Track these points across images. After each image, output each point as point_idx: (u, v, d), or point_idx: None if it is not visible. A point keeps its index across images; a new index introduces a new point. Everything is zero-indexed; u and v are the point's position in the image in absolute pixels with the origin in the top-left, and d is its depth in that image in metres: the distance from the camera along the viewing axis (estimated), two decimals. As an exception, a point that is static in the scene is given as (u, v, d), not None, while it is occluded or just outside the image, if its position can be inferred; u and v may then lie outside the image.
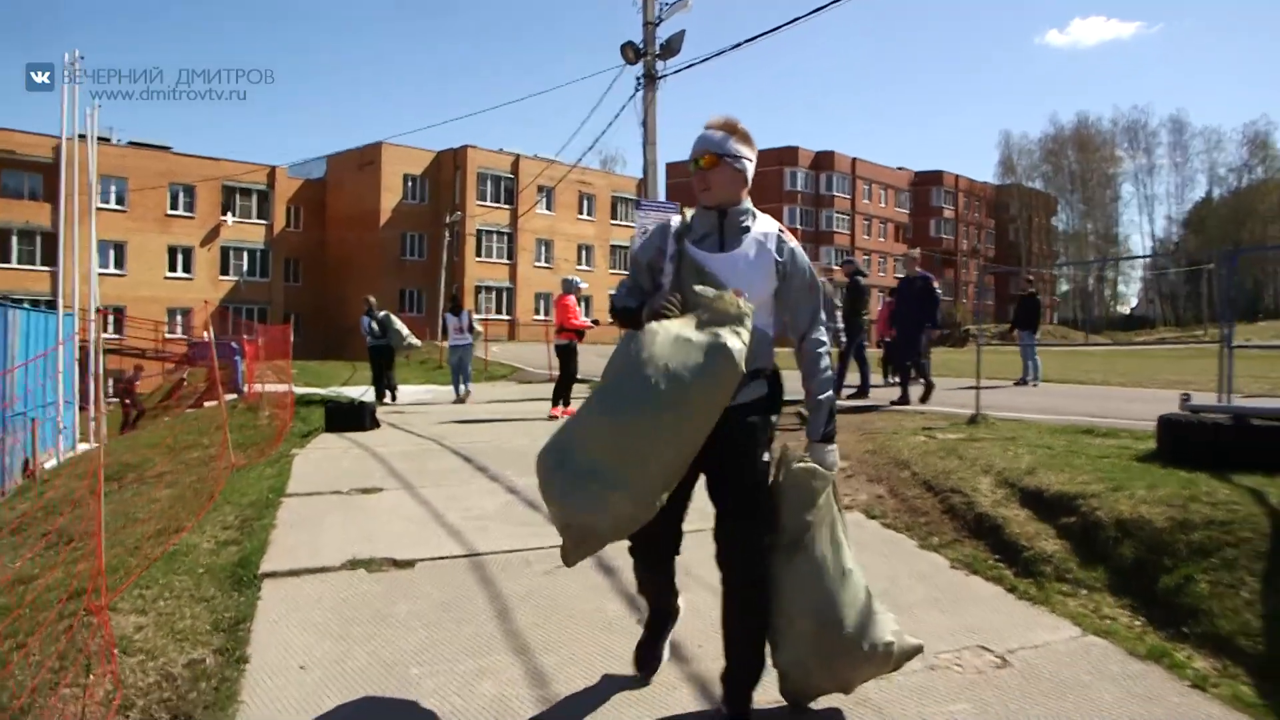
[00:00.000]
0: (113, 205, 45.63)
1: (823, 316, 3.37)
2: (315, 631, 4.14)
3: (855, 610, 3.17)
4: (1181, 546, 4.54)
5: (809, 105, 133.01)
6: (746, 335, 3.02)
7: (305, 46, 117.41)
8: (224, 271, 50.66)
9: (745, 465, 3.19)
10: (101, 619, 4.05)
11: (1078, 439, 7.17)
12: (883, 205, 77.68)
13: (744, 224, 3.35)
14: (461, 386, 15.87)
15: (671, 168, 69.21)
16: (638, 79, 16.09)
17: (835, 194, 72.72)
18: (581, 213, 57.48)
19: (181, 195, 49.20)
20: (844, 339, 12.25)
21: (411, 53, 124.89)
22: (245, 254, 51.41)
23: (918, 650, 3.40)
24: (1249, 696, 3.57)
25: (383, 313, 16.23)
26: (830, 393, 3.37)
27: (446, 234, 44.53)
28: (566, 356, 12.41)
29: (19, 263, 44.14)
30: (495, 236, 53.86)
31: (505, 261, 54.38)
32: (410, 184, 52.97)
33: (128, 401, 23.42)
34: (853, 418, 9.47)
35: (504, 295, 54.45)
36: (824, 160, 72.31)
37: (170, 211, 48.80)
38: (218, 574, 4.86)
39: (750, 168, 3.39)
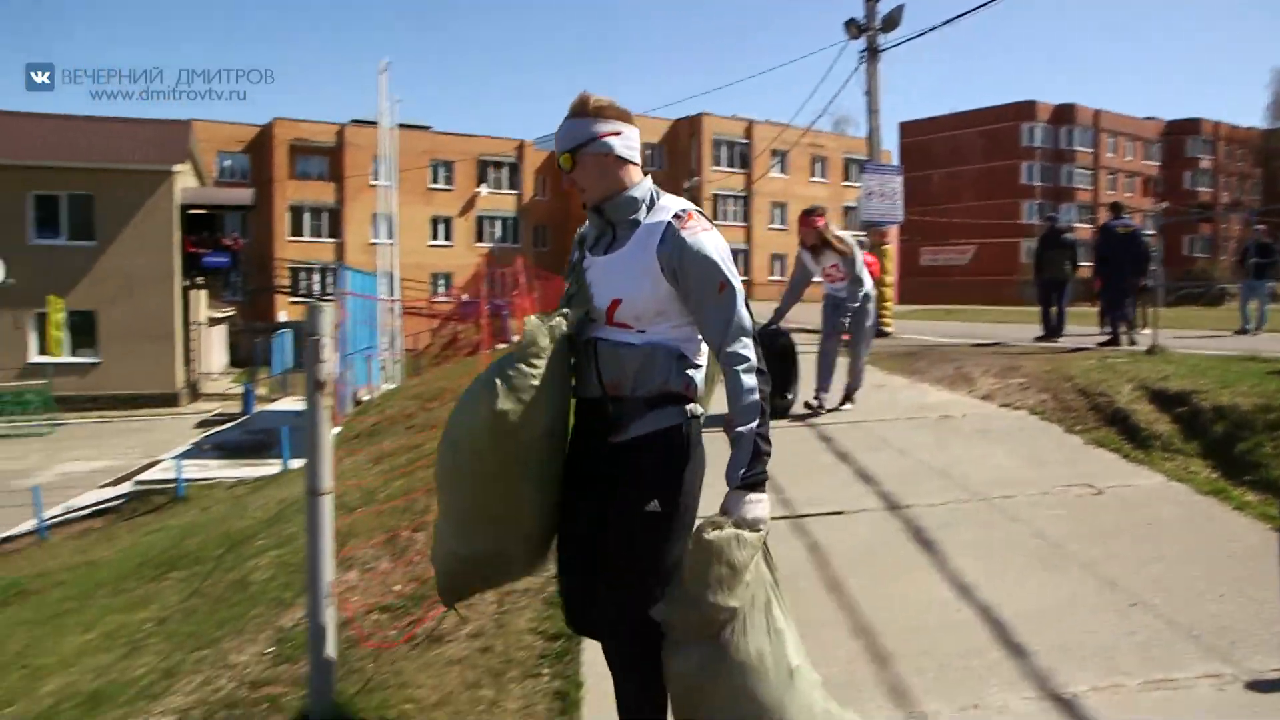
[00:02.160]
0: (383, 182, 50.73)
1: (744, 324, 2.54)
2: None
3: None
4: (1259, 423, 6.01)
5: (1048, 57, 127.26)
6: (531, 369, 2.52)
7: (552, 26, 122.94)
8: (479, 239, 55.16)
9: (619, 520, 2.57)
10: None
11: (1231, 364, 8.41)
12: (1129, 158, 74.14)
13: (633, 216, 2.67)
14: None
15: (906, 126, 69.12)
16: (860, 53, 17.57)
17: (1077, 148, 70.12)
18: (814, 175, 58.72)
19: (441, 170, 53.94)
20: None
21: (645, 28, 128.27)
22: (498, 222, 55.76)
23: None
24: (1276, 516, 5.10)
25: None
26: (754, 424, 2.49)
27: (684, 198, 46.94)
28: None
29: (310, 235, 50.05)
30: (731, 200, 55.96)
31: (741, 224, 56.35)
32: (649, 152, 55.71)
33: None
34: (1049, 357, 10.86)
35: (740, 257, 56.50)
36: (1064, 114, 69.79)
37: (431, 185, 53.59)
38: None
39: (623, 143, 2.69)
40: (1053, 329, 13.63)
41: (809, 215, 7.62)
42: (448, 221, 54.25)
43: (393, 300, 22.58)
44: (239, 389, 30.41)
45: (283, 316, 43.91)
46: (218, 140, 47.56)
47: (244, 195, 36.53)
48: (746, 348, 2.51)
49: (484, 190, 55.20)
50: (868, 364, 8.40)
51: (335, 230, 50.65)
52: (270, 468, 12.43)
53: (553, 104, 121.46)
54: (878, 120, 17.60)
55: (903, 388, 9.05)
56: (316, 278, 49.09)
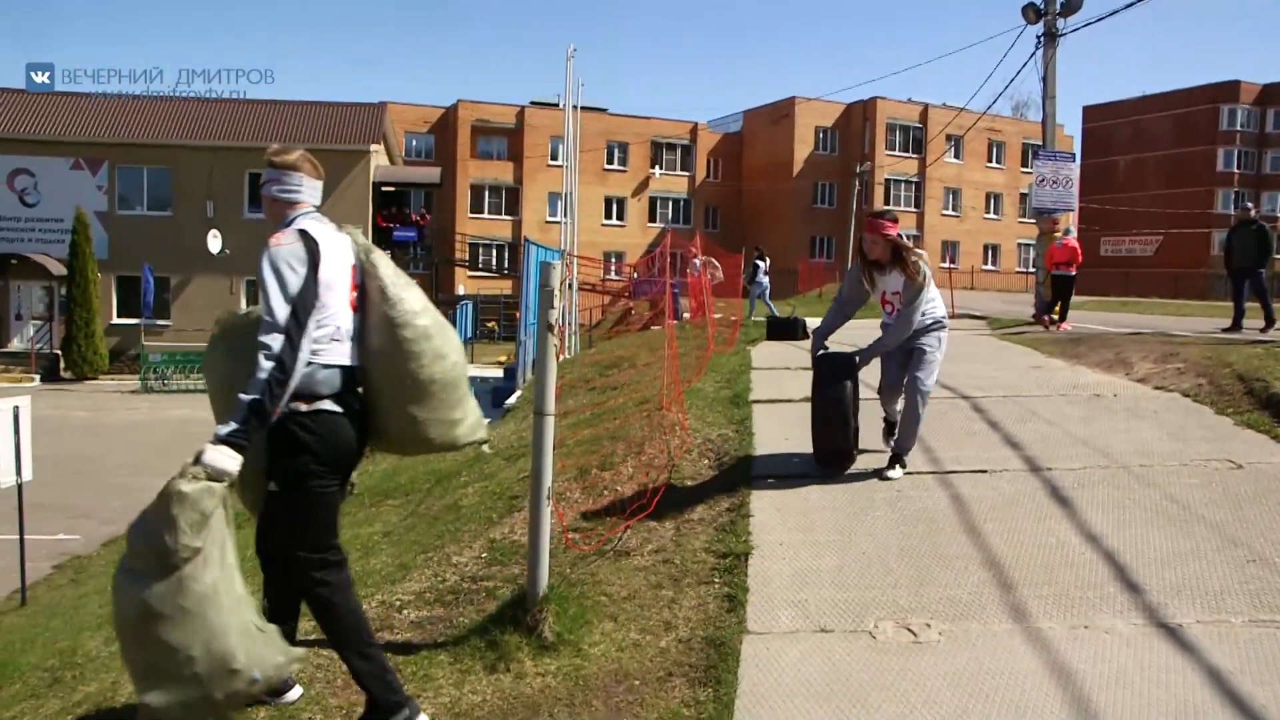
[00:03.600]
0: (560, 162, 52.49)
1: (274, 321, 2.99)
2: (788, 426, 6.96)
3: (246, 641, 2.92)
4: None
5: (1252, 32, 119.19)
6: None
7: (725, 8, 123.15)
8: (651, 219, 56.30)
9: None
10: (669, 410, 7.15)
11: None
12: (1347, 143, 68.93)
13: None
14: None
15: (1089, 110, 66.30)
16: (1038, 37, 17.49)
17: (1286, 132, 65.66)
18: (990, 160, 57.36)
19: (616, 151, 55.27)
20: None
21: (819, 9, 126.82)
22: (670, 203, 56.79)
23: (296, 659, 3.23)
24: None
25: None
26: (254, 397, 2.92)
27: (855, 184, 46.78)
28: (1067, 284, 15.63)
29: (489, 213, 52.29)
30: (903, 185, 55.33)
31: (913, 210, 55.65)
32: (821, 136, 55.65)
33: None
34: (1213, 345, 10.87)
35: (911, 243, 55.61)
36: (1273, 94, 65.34)
37: (606, 166, 55.00)
38: (722, 400, 7.89)
39: (279, 188, 3.32)
40: (1237, 321, 13.51)
41: (878, 219, 5.82)
42: (621, 202, 55.56)
43: (567, 277, 23.71)
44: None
45: (462, 290, 46.10)
46: (406, 121, 50.18)
47: (431, 174, 38.63)
48: (271, 340, 2.96)
49: (657, 172, 56.26)
50: (1022, 344, 8.64)
51: (513, 208, 52.70)
52: (459, 424, 13.60)
53: (727, 88, 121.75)
54: (1053, 106, 17.52)
55: (1060, 369, 9.33)
56: (494, 253, 51.27)
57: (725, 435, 6.79)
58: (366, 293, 3.31)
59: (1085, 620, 3.89)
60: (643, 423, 7.17)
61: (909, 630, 3.85)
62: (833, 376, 5.78)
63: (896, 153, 54.74)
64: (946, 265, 51.00)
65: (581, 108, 54.21)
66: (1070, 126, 64.62)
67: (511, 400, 14.13)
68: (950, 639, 3.77)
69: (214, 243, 31.15)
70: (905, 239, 5.95)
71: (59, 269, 30.22)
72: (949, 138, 48.15)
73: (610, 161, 55.24)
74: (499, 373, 22.85)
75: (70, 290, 29.84)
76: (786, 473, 5.92)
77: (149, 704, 2.87)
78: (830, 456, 5.86)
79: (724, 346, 12.62)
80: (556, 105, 51.49)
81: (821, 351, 5.95)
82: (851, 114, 55.57)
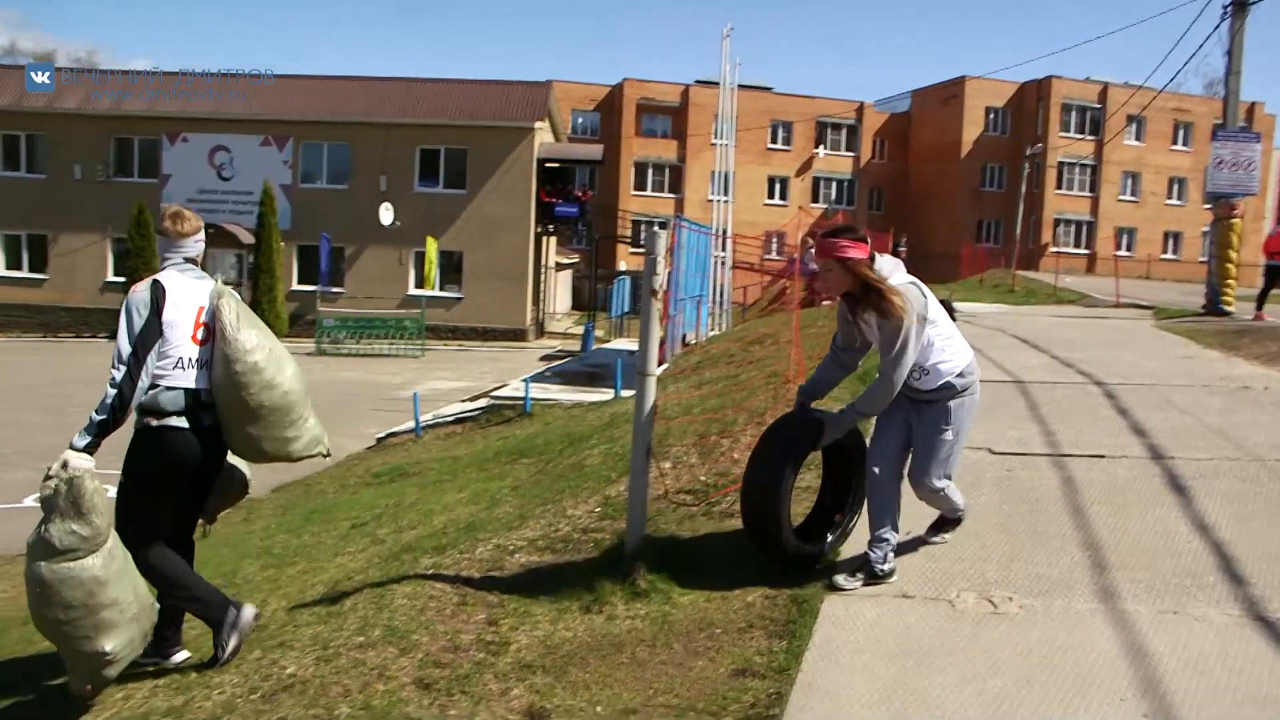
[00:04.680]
0: (723, 141, 52.48)
1: (119, 351, 3.77)
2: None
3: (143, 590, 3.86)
4: None
5: None
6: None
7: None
8: (814, 199, 55.68)
9: None
10: (793, 384, 7.29)
11: None
12: None
13: None
14: None
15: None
16: (1224, 7, 16.48)
17: None
18: (1175, 143, 54.15)
19: (780, 130, 54.85)
20: None
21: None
22: (834, 184, 56.03)
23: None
24: None
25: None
26: (101, 417, 3.71)
27: (1026, 166, 45.06)
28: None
29: (652, 190, 52.85)
30: (1077, 169, 52.90)
31: (1087, 194, 53.19)
32: (992, 116, 53.76)
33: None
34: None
35: (1083, 229, 53.40)
36: None
37: (770, 145, 54.68)
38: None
39: (160, 245, 4.19)
40: None
41: (831, 239, 4.13)
42: (784, 181, 55.14)
43: (721, 255, 23.86)
44: (579, 329, 33.20)
45: (622, 266, 46.84)
46: (572, 99, 51.09)
47: (594, 151, 39.30)
48: (116, 371, 3.74)
49: (821, 152, 55.57)
50: (1179, 333, 8.34)
51: (676, 186, 53.06)
52: (604, 395, 13.98)
53: (895, 67, 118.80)
54: (1238, 82, 16.55)
55: (1213, 360, 8.99)
56: (656, 230, 51.75)
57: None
58: (214, 330, 4.01)
59: (1175, 606, 3.85)
60: (767, 395, 7.33)
61: (989, 601, 3.92)
62: (772, 448, 4.26)
63: (1071, 134, 52.26)
64: (1122, 253, 48.61)
65: (745, 87, 54.19)
66: (1273, 104, 60.32)
67: (658, 371, 14.44)
68: (1029, 613, 3.82)
69: (386, 215, 32.65)
70: (879, 264, 4.07)
71: (248, 238, 32.27)
72: (1129, 118, 45.70)
73: (774, 141, 54.84)
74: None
75: (257, 258, 31.87)
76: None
77: (108, 650, 3.68)
78: (773, 557, 4.31)
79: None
80: (719, 84, 51.61)
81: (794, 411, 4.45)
82: (1025, 94, 53.40)
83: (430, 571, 4.71)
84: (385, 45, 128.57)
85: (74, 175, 33.97)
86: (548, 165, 34.53)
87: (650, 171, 53.06)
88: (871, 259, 4.05)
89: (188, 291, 4.02)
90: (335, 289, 32.80)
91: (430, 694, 3.53)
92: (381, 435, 14.94)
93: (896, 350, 3.98)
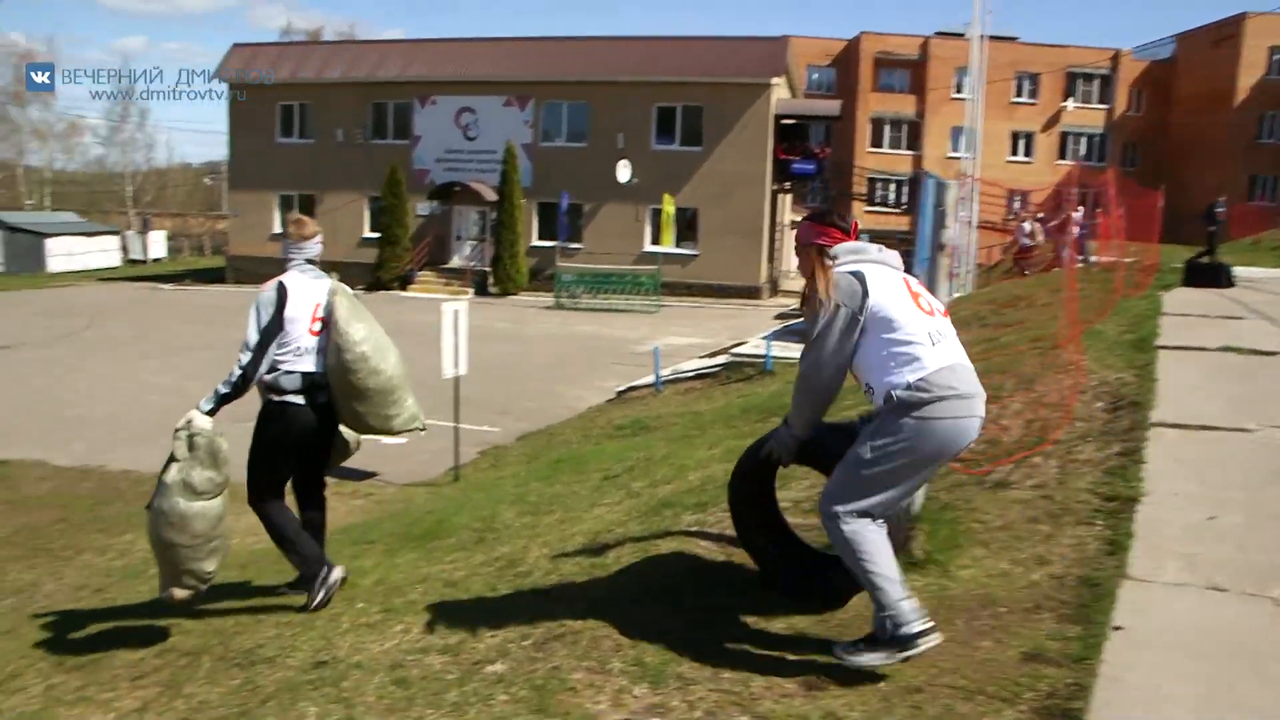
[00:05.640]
0: (964, 95, 50.07)
1: (246, 341, 4.59)
2: (1197, 374, 6.41)
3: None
4: None
5: None
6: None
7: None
8: (1061, 156, 52.43)
9: None
10: (1064, 349, 6.84)
11: None
12: None
13: None
14: None
15: None
16: None
17: None
18: None
19: (1025, 83, 51.82)
20: None
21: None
22: (1083, 139, 52.51)
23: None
24: None
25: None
26: (224, 391, 4.51)
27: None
28: None
29: (888, 147, 51.28)
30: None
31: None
32: (1277, 58, 48.73)
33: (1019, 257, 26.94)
34: None
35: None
36: None
37: (1014, 99, 51.77)
38: (1124, 344, 7.38)
39: (285, 247, 4.90)
40: None
41: (810, 221, 3.63)
42: (1029, 137, 52.20)
43: (966, 216, 22.79)
44: (813, 287, 32.61)
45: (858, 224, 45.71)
46: (808, 54, 50.03)
47: (832, 106, 38.42)
48: (243, 355, 4.53)
49: (1070, 105, 52.16)
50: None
51: (914, 143, 51.22)
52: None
53: (1156, 8, 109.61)
54: None
55: None
56: (893, 188, 50.32)
57: (1124, 379, 6.38)
58: (329, 323, 4.72)
59: None
60: (1035, 360, 6.91)
61: (1324, 603, 3.49)
62: (739, 465, 4.04)
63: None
64: None
65: (990, 38, 51.48)
66: None
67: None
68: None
69: (623, 172, 33.15)
70: (836, 250, 3.46)
71: (490, 195, 33.57)
72: None
73: (1019, 94, 51.89)
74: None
75: (499, 215, 33.14)
76: (1190, 422, 5.47)
77: (209, 571, 4.53)
78: (766, 580, 3.99)
79: (1133, 290, 11.70)
80: (962, 36, 49.18)
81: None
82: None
83: (694, 528, 4.68)
84: (620, 4, 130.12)
85: (336, 139, 36.43)
86: (784, 122, 34.03)
87: (887, 127, 51.43)
88: (830, 244, 3.45)
89: (306, 290, 4.74)
90: (573, 245, 33.68)
91: (703, 656, 3.49)
92: (621, 389, 15.23)
93: (812, 338, 3.36)
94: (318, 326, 4.74)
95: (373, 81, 36.08)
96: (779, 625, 3.66)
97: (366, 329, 4.74)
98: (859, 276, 3.33)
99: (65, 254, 43.29)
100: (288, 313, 4.65)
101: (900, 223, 46.65)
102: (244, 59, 37.72)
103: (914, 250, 16.90)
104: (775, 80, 33.04)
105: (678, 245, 32.69)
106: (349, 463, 10.67)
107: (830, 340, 3.31)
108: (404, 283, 34.16)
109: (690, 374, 14.81)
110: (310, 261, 4.86)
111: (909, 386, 3.21)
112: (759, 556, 4.00)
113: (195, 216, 65.71)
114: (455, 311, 10.49)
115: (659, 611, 3.84)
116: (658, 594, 4.02)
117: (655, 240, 33.26)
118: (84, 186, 66.30)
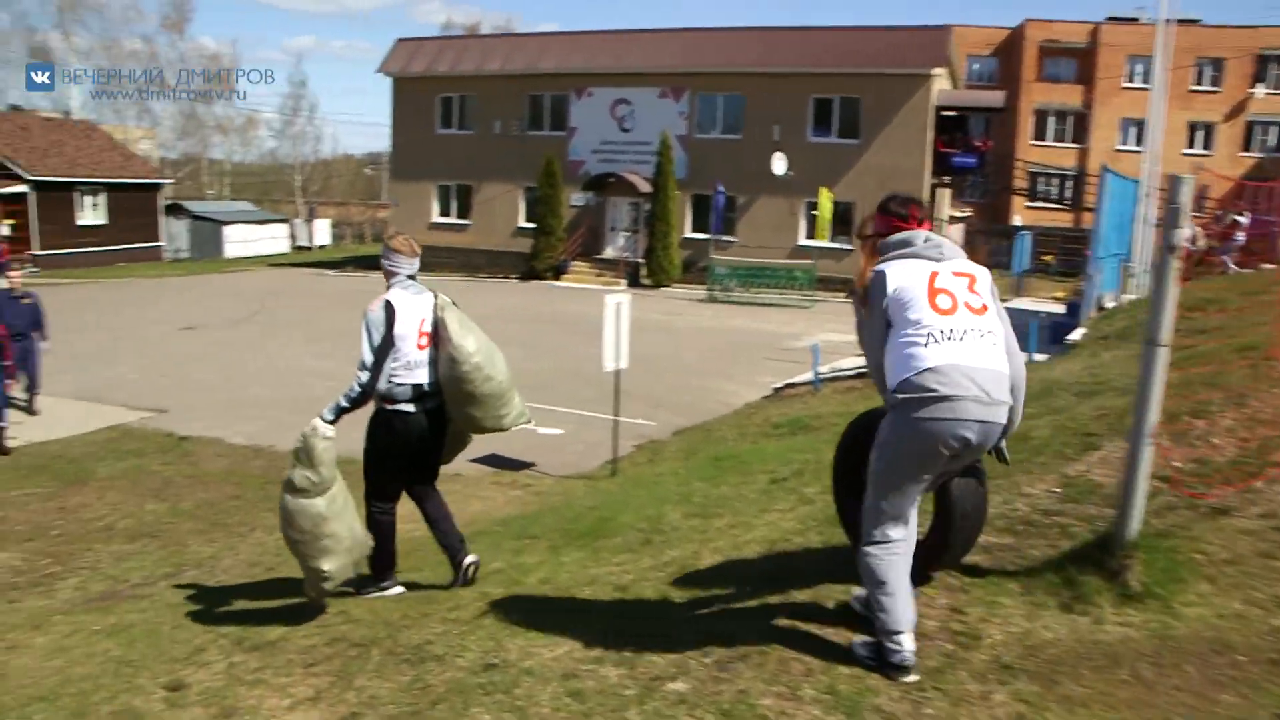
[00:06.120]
0: (1138, 85, 47.52)
1: (362, 360, 5.01)
2: None
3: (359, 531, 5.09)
4: None
5: None
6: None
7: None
8: (1245, 147, 49.24)
9: None
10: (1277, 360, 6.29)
11: None
12: None
13: None
14: None
15: None
16: None
17: None
18: None
19: (1207, 69, 48.83)
20: None
21: None
22: (1273, 129, 49.17)
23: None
24: None
25: None
26: (343, 404, 4.97)
27: None
28: None
29: (1052, 140, 49.17)
30: None
31: None
32: None
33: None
34: None
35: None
36: None
37: (1193, 87, 48.82)
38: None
39: (386, 262, 5.25)
40: None
41: (880, 213, 3.68)
42: (1208, 128, 49.20)
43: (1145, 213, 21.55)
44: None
45: (1018, 220, 44.08)
46: (968, 44, 48.36)
47: (994, 98, 37.04)
48: (361, 373, 5.01)
49: (1260, 91, 48.83)
50: None
51: (1079, 135, 48.99)
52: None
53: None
54: None
55: None
56: (1055, 183, 48.25)
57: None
58: (439, 336, 5.15)
59: None
60: (1244, 372, 6.36)
61: None
62: (857, 430, 4.09)
63: None
64: None
65: (1168, 20, 48.66)
66: None
67: (1075, 336, 13.28)
68: None
69: (779, 164, 32.72)
70: (884, 244, 3.55)
71: (645, 187, 33.64)
72: None
73: (1199, 81, 48.92)
74: (1054, 308, 21.60)
75: (653, 206, 33.17)
76: None
77: (325, 570, 4.84)
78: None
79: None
80: (1136, 20, 46.63)
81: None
82: None
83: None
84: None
85: (493, 131, 37.16)
86: (944, 113, 32.95)
87: (1051, 119, 49.29)
88: (887, 234, 3.57)
89: (412, 307, 5.12)
90: (727, 237, 33.43)
91: (898, 685, 3.28)
92: (778, 385, 14.96)
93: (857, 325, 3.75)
94: (424, 341, 5.16)
95: (529, 74, 36.62)
96: (982, 656, 3.41)
97: (476, 340, 5.16)
98: (880, 274, 3.44)
99: (241, 240, 45.57)
100: (396, 330, 5.04)
101: (1062, 219, 44.67)
102: (407, 54, 38.90)
103: (1090, 249, 16.09)
104: (936, 71, 32.04)
105: (833, 240, 32.04)
106: (506, 453, 10.86)
107: (865, 330, 3.59)
108: (558, 273, 34.62)
109: (850, 373, 14.42)
110: (410, 278, 5.21)
111: (897, 386, 3.31)
112: (853, 533, 3.90)
113: (357, 205, 68.19)
114: (618, 304, 10.45)
115: (848, 634, 3.64)
116: (845, 614, 3.82)
117: (810, 234, 32.71)
118: (258, 177, 69.90)
